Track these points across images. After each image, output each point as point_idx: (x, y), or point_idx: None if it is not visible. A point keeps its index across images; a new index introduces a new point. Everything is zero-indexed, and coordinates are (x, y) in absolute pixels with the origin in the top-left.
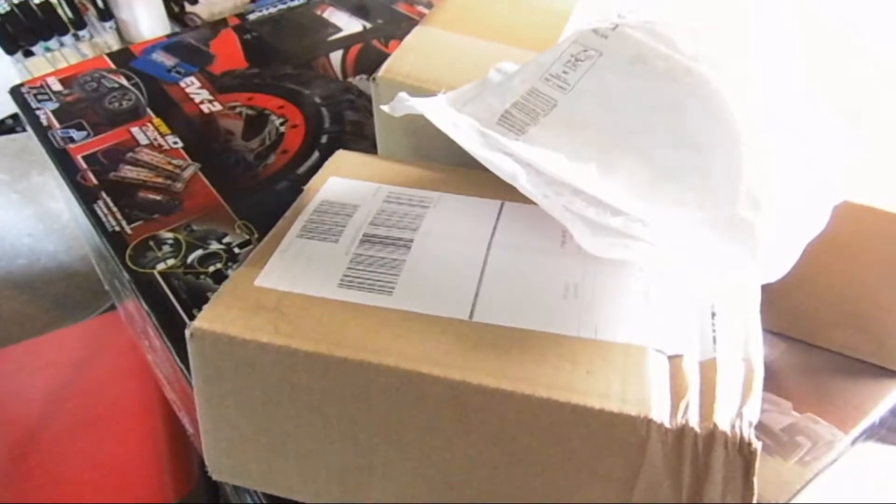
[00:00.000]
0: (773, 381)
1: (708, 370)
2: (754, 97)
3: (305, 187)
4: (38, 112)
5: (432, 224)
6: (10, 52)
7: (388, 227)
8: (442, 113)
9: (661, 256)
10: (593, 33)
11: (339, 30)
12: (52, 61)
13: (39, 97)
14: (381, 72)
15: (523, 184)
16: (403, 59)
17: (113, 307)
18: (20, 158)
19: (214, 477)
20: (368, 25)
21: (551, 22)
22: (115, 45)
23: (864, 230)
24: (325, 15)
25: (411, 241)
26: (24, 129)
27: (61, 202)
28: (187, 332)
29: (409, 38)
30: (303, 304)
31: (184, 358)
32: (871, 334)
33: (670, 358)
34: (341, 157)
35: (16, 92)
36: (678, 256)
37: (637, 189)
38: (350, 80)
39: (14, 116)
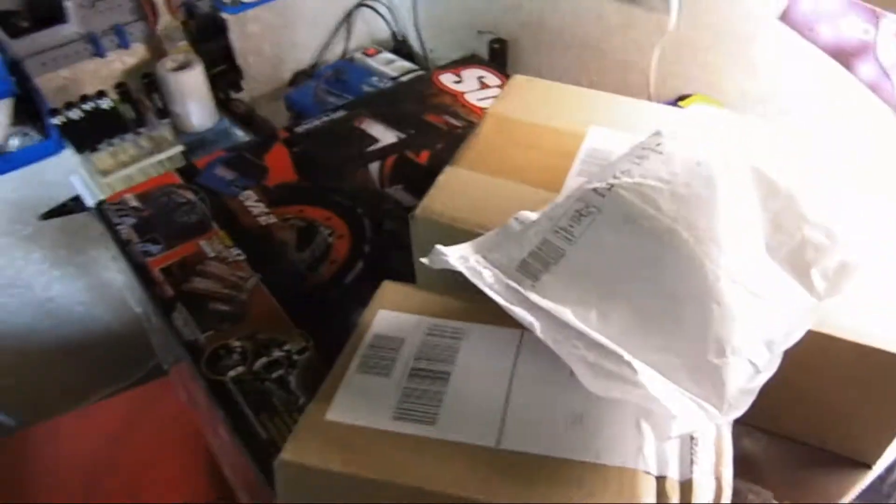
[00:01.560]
0: (757, 472)
1: (686, 489)
2: (721, 258)
3: (359, 321)
4: (118, 227)
5: (465, 356)
6: (80, 150)
7: (429, 360)
8: (470, 266)
9: (647, 396)
10: (593, 192)
11: (375, 140)
12: (113, 154)
13: (120, 213)
14: (419, 210)
15: (538, 333)
16: (436, 198)
17: (157, 369)
18: (78, 235)
19: None
20: (402, 136)
21: (560, 163)
22: (170, 137)
23: (820, 352)
24: (363, 126)
25: (449, 373)
26: (82, 210)
27: (113, 272)
28: (275, 464)
29: (441, 178)
30: (365, 437)
31: (254, 455)
32: (840, 432)
33: (657, 478)
34: (387, 288)
35: (99, 208)
36: (661, 397)
37: (628, 336)
38: (387, 189)
39: (75, 199)
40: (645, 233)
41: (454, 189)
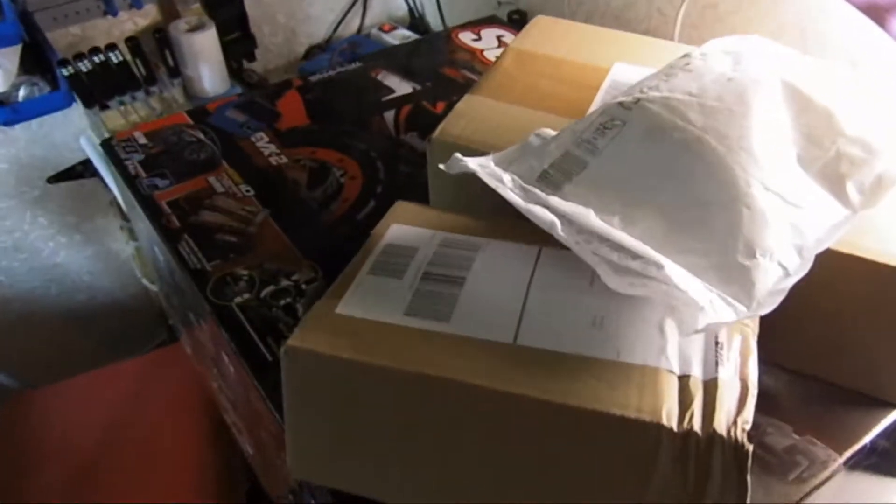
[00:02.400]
0: (777, 408)
1: (710, 387)
2: (752, 167)
3: (372, 232)
4: (126, 162)
5: (481, 265)
6: (89, 105)
7: (444, 266)
8: (490, 171)
9: (672, 294)
10: (619, 106)
11: (391, 91)
12: (124, 114)
13: (128, 149)
14: (436, 134)
15: (559, 232)
16: (455, 123)
17: (164, 344)
18: (87, 202)
19: (295, 476)
20: (418, 87)
21: (583, 95)
22: (181, 100)
23: (850, 276)
24: (380, 77)
25: (464, 278)
26: (92, 176)
27: (121, 242)
28: (282, 350)
29: (459, 105)
30: (376, 329)
31: (260, 379)
32: (862, 367)
33: (680, 377)
34: (400, 207)
35: (106, 144)
36: (688, 289)
37: (653, 239)
38: (402, 136)
39: (84, 163)
40: (673, 143)
41: (473, 115)
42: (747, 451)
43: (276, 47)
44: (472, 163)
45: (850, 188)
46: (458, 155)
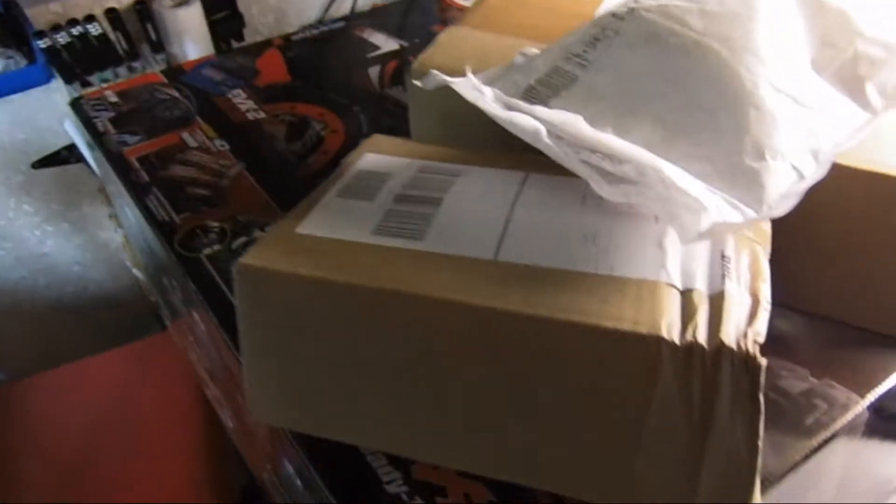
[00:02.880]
0: (792, 352)
1: (717, 300)
2: (759, 67)
3: (342, 161)
4: (95, 120)
5: (462, 187)
6: (69, 80)
7: (420, 188)
8: (469, 85)
9: (671, 198)
10: (611, 16)
11: (377, 48)
12: None
13: (97, 107)
14: (416, 63)
15: (544, 139)
16: (437, 52)
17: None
18: (73, 189)
19: (256, 419)
20: (405, 44)
21: (575, 24)
22: None
23: (873, 198)
24: (365, 35)
25: (441, 199)
26: (77, 161)
27: (110, 231)
28: (234, 269)
29: (441, 35)
30: (340, 247)
31: (230, 332)
32: (883, 305)
33: (682, 291)
34: (377, 138)
35: (76, 103)
36: (688, 196)
37: (650, 147)
38: (387, 90)
39: (69, 148)
40: (670, 49)
41: (457, 45)
42: (759, 364)
43: (266, 28)
44: (451, 78)
45: (870, 90)
46: (435, 71)
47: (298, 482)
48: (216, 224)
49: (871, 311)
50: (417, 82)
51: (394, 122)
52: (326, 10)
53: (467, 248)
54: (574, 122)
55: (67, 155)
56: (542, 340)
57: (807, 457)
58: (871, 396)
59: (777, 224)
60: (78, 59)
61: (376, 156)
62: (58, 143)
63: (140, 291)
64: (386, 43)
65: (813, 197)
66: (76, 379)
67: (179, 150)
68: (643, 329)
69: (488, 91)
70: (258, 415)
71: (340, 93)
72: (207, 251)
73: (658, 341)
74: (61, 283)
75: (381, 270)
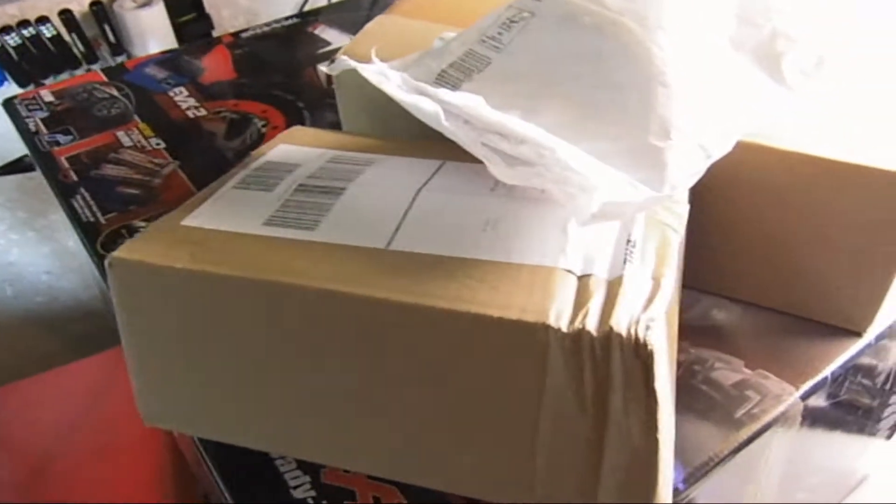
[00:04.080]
0: (727, 342)
1: (613, 286)
2: (672, 45)
3: (251, 153)
4: (28, 120)
5: (370, 176)
6: (23, 84)
7: (325, 179)
8: (375, 70)
9: (568, 179)
10: None
11: (328, 44)
12: None
13: (31, 107)
14: (341, 53)
15: (443, 122)
16: (362, 42)
17: None
18: (37, 197)
19: (147, 424)
20: None
21: None
22: None
23: (804, 182)
24: (317, 32)
25: (345, 189)
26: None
27: (78, 239)
28: (106, 263)
29: (369, 25)
30: (225, 239)
31: None
32: (819, 292)
33: (579, 278)
34: (297, 130)
35: (8, 103)
36: (582, 180)
37: (559, 129)
38: (334, 86)
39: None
40: (585, 28)
41: (384, 33)
42: (651, 350)
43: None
44: (358, 63)
45: (787, 67)
46: (343, 56)
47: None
48: (143, 224)
49: (808, 299)
50: (324, 67)
51: (338, 118)
52: (301, 10)
53: (360, 238)
54: (475, 104)
55: (31, 161)
56: (427, 332)
57: (736, 450)
58: (806, 387)
59: (708, 211)
60: (31, 62)
61: (288, 146)
62: (20, 150)
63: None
64: (338, 39)
65: (745, 182)
66: (46, 388)
67: (113, 150)
68: (530, 317)
69: (395, 76)
70: (148, 418)
71: (286, 90)
72: None
73: (545, 329)
74: (30, 292)
75: (263, 261)
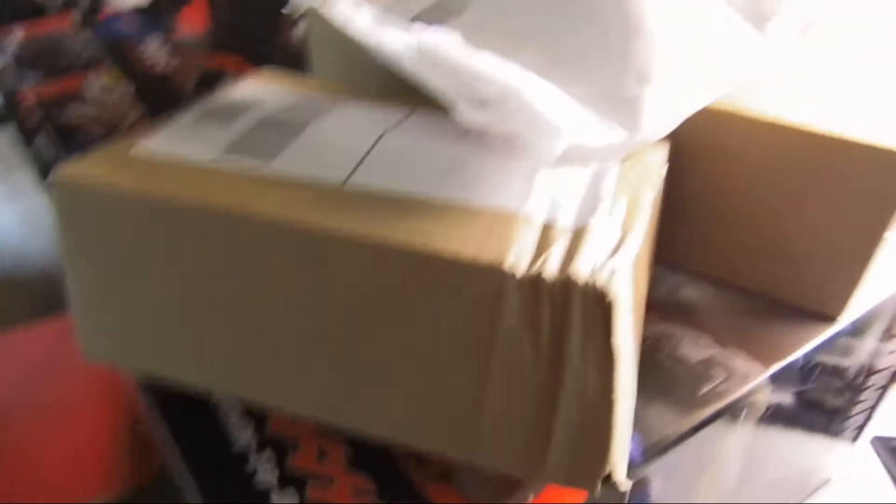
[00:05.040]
0: (698, 320)
1: (578, 234)
2: None
3: (216, 91)
4: None
5: (333, 116)
6: None
7: (287, 114)
8: (341, 6)
9: (535, 122)
10: None
11: None
12: None
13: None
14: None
15: (408, 63)
16: None
17: None
18: (7, 155)
19: (87, 359)
20: None
21: None
22: None
23: (782, 153)
24: None
25: (307, 125)
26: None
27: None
28: (46, 183)
29: None
30: (176, 164)
31: None
32: (793, 273)
33: (543, 225)
34: (267, 71)
35: None
36: (545, 123)
37: (536, 72)
38: (306, 35)
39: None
40: None
41: None
42: (611, 300)
43: None
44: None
45: (774, 26)
46: None
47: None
48: None
49: (783, 280)
50: (287, 9)
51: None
52: None
53: (317, 172)
54: (447, 42)
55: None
56: (377, 269)
57: (696, 428)
58: (775, 368)
59: (680, 182)
60: (4, 9)
61: (254, 84)
62: None
63: None
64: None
65: (719, 151)
66: (4, 345)
67: (79, 95)
68: (485, 258)
69: (363, 13)
70: (89, 353)
71: (262, 47)
72: None
73: (501, 273)
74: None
75: (211, 189)
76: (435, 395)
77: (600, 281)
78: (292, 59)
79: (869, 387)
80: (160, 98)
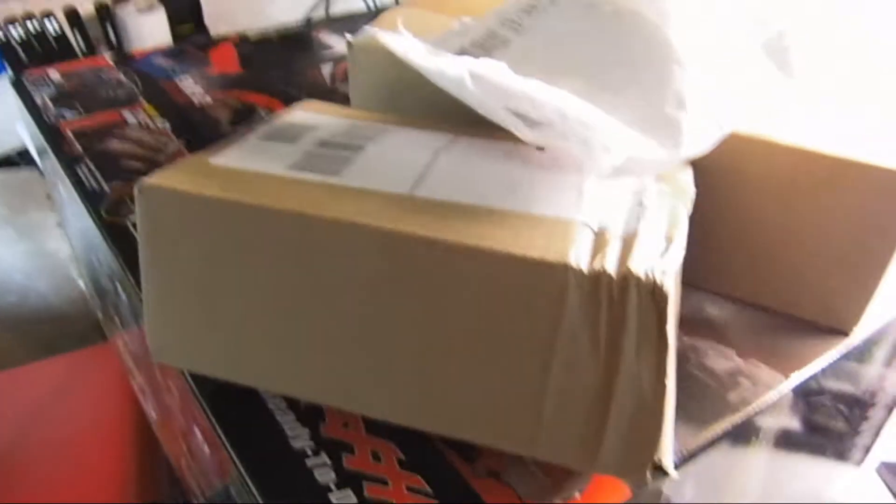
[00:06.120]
0: (720, 335)
1: (628, 239)
2: (687, 33)
3: (268, 116)
4: (34, 95)
5: (389, 137)
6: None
7: (345, 137)
8: (398, 40)
9: (590, 139)
10: None
11: (331, 47)
12: None
13: (38, 84)
14: (359, 37)
15: (469, 86)
16: (379, 25)
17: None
18: (20, 193)
19: (156, 359)
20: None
21: None
22: None
23: (797, 176)
24: (321, 36)
25: (364, 146)
26: (28, 164)
27: (58, 240)
28: (136, 190)
29: (385, 14)
30: (253, 176)
31: None
32: (807, 290)
33: (595, 231)
34: (312, 102)
35: (17, 81)
36: (604, 137)
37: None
38: (338, 86)
39: (21, 153)
40: (605, 17)
41: (402, 21)
42: (666, 294)
43: None
44: (383, 34)
45: (794, 60)
46: (368, 27)
47: (206, 449)
48: None
49: (799, 297)
50: (350, 37)
51: None
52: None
53: (384, 184)
54: (499, 70)
55: (19, 159)
56: (447, 268)
57: (729, 433)
58: (797, 377)
59: (702, 209)
60: (33, 55)
61: (306, 112)
62: (10, 145)
63: (85, 306)
64: (340, 43)
65: (735, 175)
66: (8, 384)
67: (118, 126)
68: (552, 257)
69: (419, 45)
70: (159, 355)
71: (290, 85)
72: (133, 217)
73: (565, 269)
74: (1, 291)
75: (290, 196)
76: (497, 391)
77: (655, 278)
78: (319, 97)
79: (874, 408)
80: (197, 130)
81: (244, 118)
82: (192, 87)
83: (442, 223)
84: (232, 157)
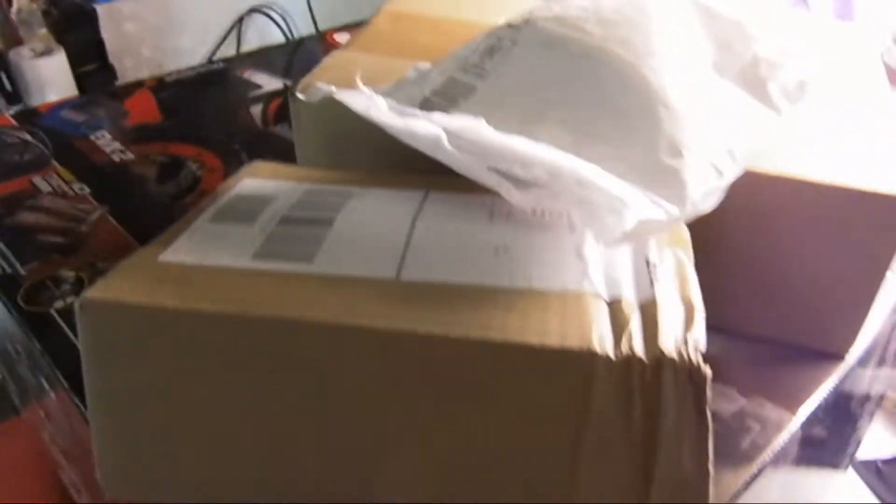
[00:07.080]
0: (716, 372)
1: (648, 308)
2: (663, 69)
3: (218, 187)
4: None
5: (356, 206)
6: None
7: (308, 210)
8: (361, 96)
9: (590, 199)
10: (507, 27)
11: (259, 87)
12: None
13: None
14: (300, 84)
15: (445, 146)
16: (321, 73)
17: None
18: None
19: (109, 497)
20: (290, 83)
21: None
22: None
23: (787, 205)
24: (246, 76)
25: (333, 219)
26: None
27: None
28: (76, 305)
29: (326, 60)
30: (212, 275)
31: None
32: (803, 317)
33: (609, 302)
34: (258, 165)
35: None
36: (608, 194)
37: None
38: (271, 128)
39: None
40: (572, 54)
41: (343, 66)
42: (705, 374)
43: None
44: (337, 91)
45: (773, 90)
46: (320, 84)
47: None
48: (71, 273)
49: (791, 325)
50: (301, 95)
51: (279, 158)
52: (209, 59)
53: (365, 269)
54: (477, 127)
55: None
56: (458, 364)
57: (748, 483)
58: (804, 412)
59: (695, 244)
60: None
61: (256, 180)
62: None
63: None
64: (269, 82)
65: (734, 208)
66: None
67: (29, 196)
68: (573, 343)
69: (381, 101)
70: (112, 491)
71: (219, 132)
72: (59, 304)
73: (591, 356)
74: None
75: (261, 297)
76: (521, 483)
77: (690, 357)
78: (252, 142)
79: (863, 415)
80: (121, 193)
81: (172, 174)
82: (109, 142)
83: (443, 314)
84: (183, 252)
